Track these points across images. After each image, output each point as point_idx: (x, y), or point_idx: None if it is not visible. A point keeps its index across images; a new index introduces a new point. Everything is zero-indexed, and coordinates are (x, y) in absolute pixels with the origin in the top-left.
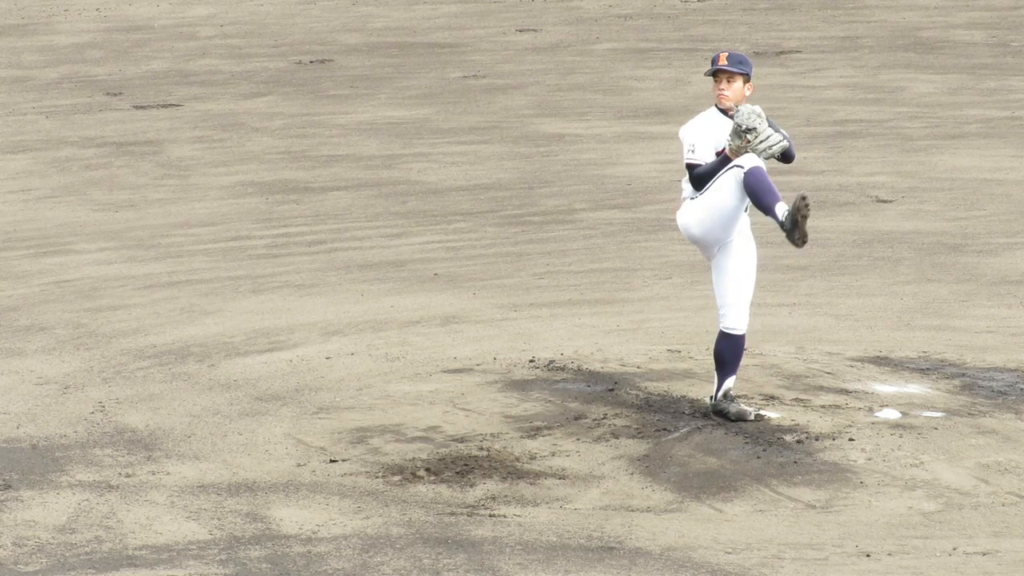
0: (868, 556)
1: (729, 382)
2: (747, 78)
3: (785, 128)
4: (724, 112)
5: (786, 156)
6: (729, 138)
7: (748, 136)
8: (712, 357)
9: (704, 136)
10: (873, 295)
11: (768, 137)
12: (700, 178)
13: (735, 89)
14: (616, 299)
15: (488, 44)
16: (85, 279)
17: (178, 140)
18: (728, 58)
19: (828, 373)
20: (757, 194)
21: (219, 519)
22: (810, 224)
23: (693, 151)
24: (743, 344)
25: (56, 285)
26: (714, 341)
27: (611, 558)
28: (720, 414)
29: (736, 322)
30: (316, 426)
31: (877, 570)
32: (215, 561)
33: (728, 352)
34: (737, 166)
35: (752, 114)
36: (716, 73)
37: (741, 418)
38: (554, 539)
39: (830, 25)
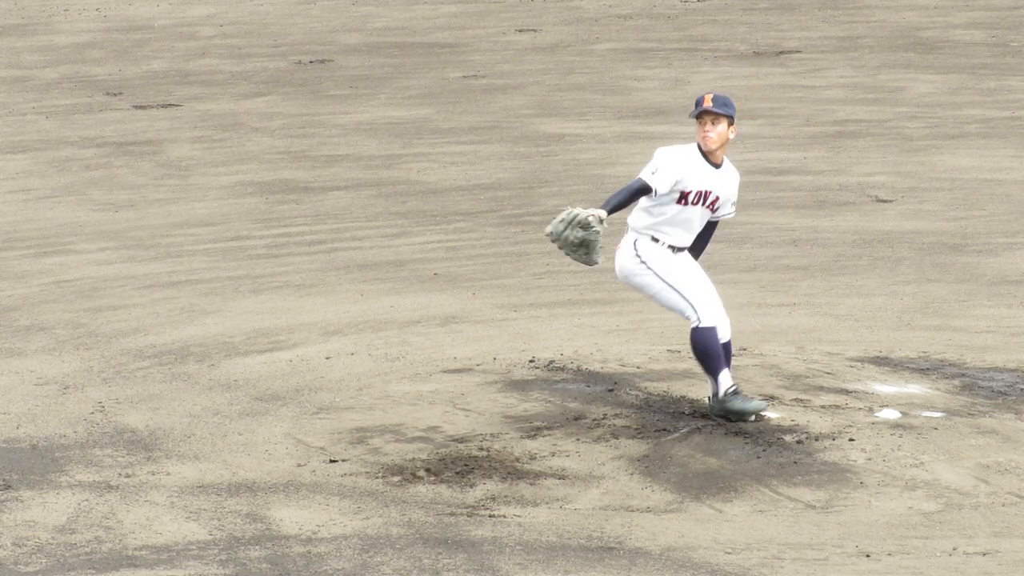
0: (868, 556)
1: (724, 378)
2: (731, 120)
3: (785, 127)
4: (704, 155)
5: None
6: (576, 217)
7: (582, 229)
8: (697, 361)
9: (673, 168)
10: (873, 295)
11: (570, 242)
12: (617, 196)
13: (719, 131)
14: (616, 299)
15: (488, 44)
16: (85, 279)
17: (178, 140)
18: (713, 100)
19: (828, 373)
20: (705, 357)
21: (219, 519)
22: (809, 225)
23: (654, 173)
24: (716, 336)
25: (56, 285)
26: (691, 347)
27: (611, 558)
28: (722, 414)
29: (703, 318)
30: (316, 426)
31: (877, 570)
32: (215, 561)
33: (712, 346)
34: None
35: (587, 221)
36: (701, 115)
37: (742, 416)
38: (554, 539)
39: (830, 25)
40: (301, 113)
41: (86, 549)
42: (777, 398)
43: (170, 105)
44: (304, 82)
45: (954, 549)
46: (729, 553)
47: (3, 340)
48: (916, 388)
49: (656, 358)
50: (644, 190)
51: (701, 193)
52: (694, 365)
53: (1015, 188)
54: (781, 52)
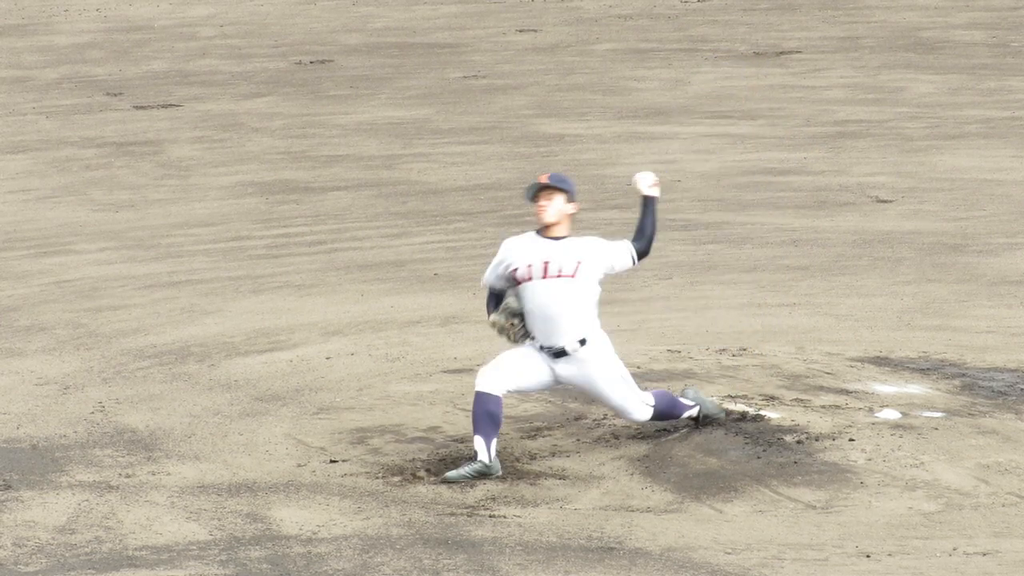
0: (868, 556)
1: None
2: (570, 196)
3: (785, 127)
4: (539, 232)
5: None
6: (499, 313)
7: (515, 320)
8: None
9: (500, 256)
10: (873, 295)
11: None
12: (489, 297)
13: (554, 204)
14: (616, 299)
15: (488, 44)
16: (85, 279)
17: (178, 140)
18: (550, 177)
19: (828, 373)
20: (473, 415)
21: (219, 519)
22: (809, 225)
23: (485, 270)
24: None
25: (56, 285)
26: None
27: (611, 558)
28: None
29: (644, 413)
30: (316, 426)
31: (877, 570)
32: (215, 561)
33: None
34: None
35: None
36: (537, 193)
37: (718, 419)
38: (554, 539)
39: (830, 25)
40: (301, 113)
41: (86, 549)
42: (777, 398)
43: (170, 105)
44: (304, 82)
45: (954, 549)
46: (729, 553)
47: (3, 340)
48: (916, 388)
49: (656, 358)
50: (487, 287)
51: (531, 266)
52: (694, 365)
53: (1015, 188)
54: (781, 52)
